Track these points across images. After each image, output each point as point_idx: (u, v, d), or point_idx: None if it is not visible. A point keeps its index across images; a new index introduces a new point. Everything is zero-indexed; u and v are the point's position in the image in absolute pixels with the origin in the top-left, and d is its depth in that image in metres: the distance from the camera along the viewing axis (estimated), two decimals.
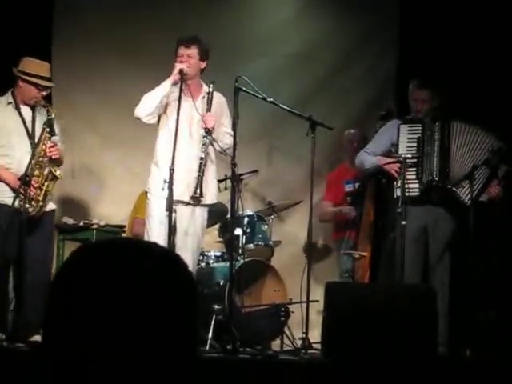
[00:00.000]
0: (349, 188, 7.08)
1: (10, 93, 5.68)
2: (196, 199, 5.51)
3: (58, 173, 5.57)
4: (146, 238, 5.44)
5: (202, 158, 5.50)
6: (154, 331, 1.21)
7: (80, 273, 1.24)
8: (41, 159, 5.51)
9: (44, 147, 5.52)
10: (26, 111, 5.64)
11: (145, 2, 7.63)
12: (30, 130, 5.58)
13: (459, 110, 6.12)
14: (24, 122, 5.59)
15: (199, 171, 5.48)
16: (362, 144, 6.72)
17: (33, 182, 5.45)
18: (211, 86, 5.60)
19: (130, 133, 7.17)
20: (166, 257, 1.28)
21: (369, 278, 6.37)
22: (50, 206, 5.72)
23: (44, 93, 5.63)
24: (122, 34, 7.57)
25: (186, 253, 5.39)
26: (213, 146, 5.60)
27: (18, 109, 5.62)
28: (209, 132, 5.50)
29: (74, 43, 7.42)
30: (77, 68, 7.35)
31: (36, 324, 5.25)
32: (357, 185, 6.90)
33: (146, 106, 5.51)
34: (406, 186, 5.68)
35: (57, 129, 5.69)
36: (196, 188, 5.46)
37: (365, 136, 6.94)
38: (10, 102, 5.64)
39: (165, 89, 5.49)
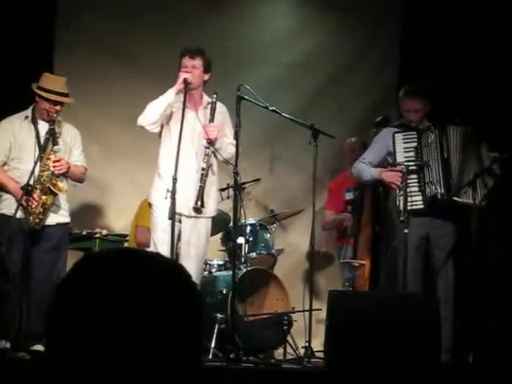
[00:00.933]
0: (349, 196, 7.07)
1: (31, 108, 5.75)
2: (198, 210, 5.50)
3: (61, 185, 5.57)
4: (151, 248, 5.44)
5: (203, 169, 5.50)
6: (157, 341, 1.21)
7: (83, 282, 1.24)
8: (43, 173, 5.53)
9: (48, 161, 5.54)
10: (43, 126, 5.68)
11: (145, 11, 7.63)
12: (43, 144, 5.61)
13: (459, 116, 6.08)
14: (38, 137, 5.62)
15: (200, 182, 5.47)
16: (363, 152, 6.73)
17: (34, 195, 5.47)
18: (214, 96, 5.60)
19: (131, 142, 7.18)
20: (170, 267, 1.28)
21: (368, 286, 6.36)
22: (59, 219, 5.73)
23: (58, 107, 5.65)
24: (122, 43, 7.58)
25: (190, 262, 5.39)
26: (215, 156, 5.61)
27: (34, 123, 5.67)
28: (211, 143, 5.50)
29: (75, 53, 7.43)
30: (78, 77, 7.34)
31: (38, 334, 5.25)
32: (357, 193, 6.89)
33: (150, 115, 5.52)
34: (409, 198, 5.64)
35: (77, 145, 5.82)
36: (197, 199, 5.45)
37: (366, 144, 6.94)
38: (27, 117, 5.71)
39: (169, 98, 5.50)
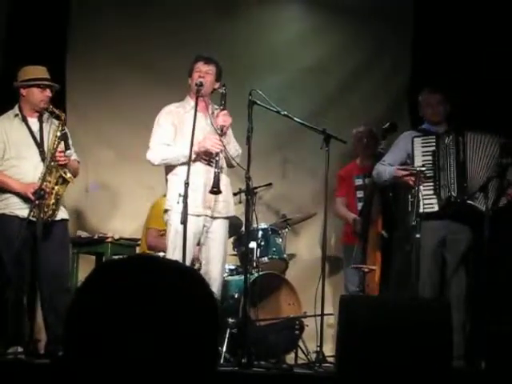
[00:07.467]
0: (358, 182, 7.09)
1: (16, 106, 5.72)
2: (215, 193, 5.44)
3: (68, 176, 5.55)
4: (169, 252, 5.43)
5: (217, 154, 5.47)
6: (175, 349, 1.22)
7: (102, 289, 1.25)
8: (51, 163, 5.50)
9: (54, 151, 5.50)
10: (33, 122, 5.67)
11: (159, 18, 7.65)
12: (38, 140, 5.60)
13: (474, 120, 6.10)
14: (32, 133, 5.61)
15: (216, 167, 5.44)
16: (372, 140, 6.78)
17: (44, 187, 5.44)
18: (224, 88, 5.61)
19: (143, 147, 7.18)
20: (187, 274, 1.29)
21: (379, 291, 6.36)
22: (62, 215, 5.68)
23: (48, 94, 5.63)
24: (135, 49, 7.60)
25: (213, 266, 5.45)
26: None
27: (24, 120, 5.65)
28: (223, 130, 5.52)
29: (88, 58, 7.45)
30: (90, 83, 7.40)
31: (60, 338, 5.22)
32: (366, 180, 6.88)
33: (160, 161, 5.57)
34: (423, 201, 5.68)
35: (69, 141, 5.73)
36: (214, 183, 5.40)
37: (374, 132, 6.96)
38: (17, 114, 5.68)
39: (182, 157, 5.48)
